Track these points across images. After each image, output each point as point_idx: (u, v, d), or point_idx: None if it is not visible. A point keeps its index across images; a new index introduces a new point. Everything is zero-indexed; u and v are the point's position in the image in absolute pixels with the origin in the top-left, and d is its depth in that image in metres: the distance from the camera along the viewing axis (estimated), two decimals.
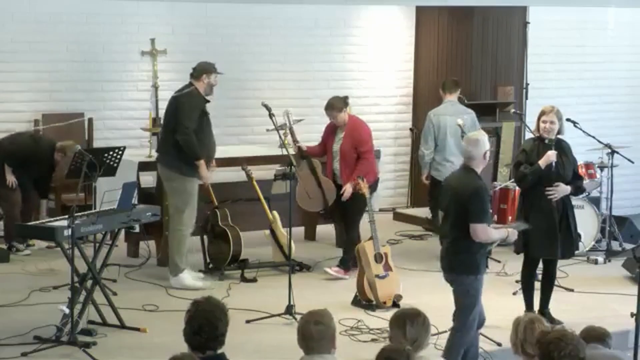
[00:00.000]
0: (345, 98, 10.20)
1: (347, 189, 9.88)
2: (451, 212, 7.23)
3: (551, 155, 8.46)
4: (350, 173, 9.90)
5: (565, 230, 8.58)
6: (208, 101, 9.49)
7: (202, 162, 9.33)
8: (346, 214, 10.14)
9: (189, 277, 9.46)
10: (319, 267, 10.31)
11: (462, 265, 7.19)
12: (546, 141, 8.55)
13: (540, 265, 8.80)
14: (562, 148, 8.62)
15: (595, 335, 6.02)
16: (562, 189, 8.50)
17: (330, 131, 10.22)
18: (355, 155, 9.97)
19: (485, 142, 7.26)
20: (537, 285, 8.84)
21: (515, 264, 10.64)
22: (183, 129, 9.23)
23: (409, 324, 5.24)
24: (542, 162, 8.46)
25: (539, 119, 8.62)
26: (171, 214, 9.51)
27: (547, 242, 8.51)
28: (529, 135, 11.79)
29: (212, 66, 9.46)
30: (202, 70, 9.42)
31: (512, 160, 12.29)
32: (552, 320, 8.32)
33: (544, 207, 8.49)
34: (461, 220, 7.12)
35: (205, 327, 4.85)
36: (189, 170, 9.36)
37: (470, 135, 7.47)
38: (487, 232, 7.15)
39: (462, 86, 11.63)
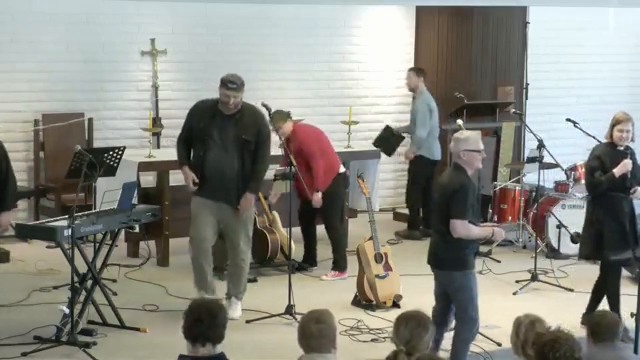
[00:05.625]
0: (288, 113, 9.83)
1: (315, 199, 9.83)
2: (438, 208, 7.28)
3: (627, 164, 8.41)
4: (308, 181, 9.69)
5: (636, 233, 8.58)
6: (230, 116, 8.41)
7: (184, 168, 8.50)
8: (324, 219, 10.16)
9: None
10: (320, 267, 10.33)
11: (450, 261, 7.22)
12: (620, 148, 8.49)
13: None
14: (631, 154, 8.57)
15: (605, 325, 5.81)
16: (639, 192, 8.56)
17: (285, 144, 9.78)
18: (304, 162, 9.67)
19: (476, 140, 7.27)
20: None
21: (515, 264, 10.64)
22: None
23: (402, 324, 5.27)
24: (617, 171, 8.40)
25: (613, 126, 8.49)
26: None
27: (623, 246, 8.45)
28: (529, 136, 11.80)
29: (224, 78, 8.35)
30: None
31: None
32: None
33: (618, 213, 8.48)
34: (446, 217, 7.17)
35: (205, 314, 4.92)
36: (194, 187, 8.53)
37: (458, 134, 7.44)
38: (466, 228, 7.13)
39: (461, 86, 11.59)
